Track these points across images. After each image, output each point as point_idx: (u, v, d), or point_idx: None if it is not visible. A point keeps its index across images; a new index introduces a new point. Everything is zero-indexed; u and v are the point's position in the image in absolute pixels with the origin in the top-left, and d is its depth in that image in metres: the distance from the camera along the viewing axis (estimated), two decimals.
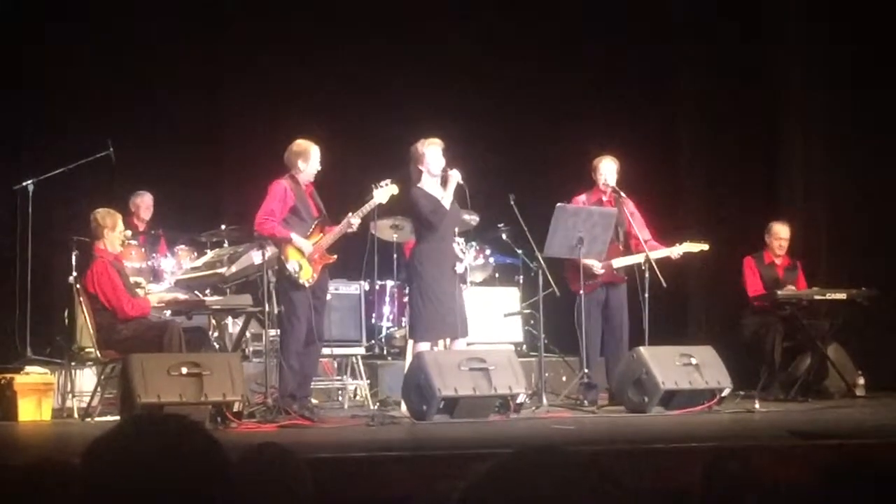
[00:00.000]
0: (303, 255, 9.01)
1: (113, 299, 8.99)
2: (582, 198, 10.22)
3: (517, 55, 12.75)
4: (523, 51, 12.75)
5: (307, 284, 8.99)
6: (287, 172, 9.13)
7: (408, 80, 12.52)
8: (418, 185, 9.35)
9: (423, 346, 9.24)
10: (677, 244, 10.13)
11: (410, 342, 9.44)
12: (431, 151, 9.34)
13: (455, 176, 9.30)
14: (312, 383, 9.44)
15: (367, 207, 9.15)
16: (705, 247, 10.23)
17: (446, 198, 9.31)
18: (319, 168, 9.15)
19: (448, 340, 9.41)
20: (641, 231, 10.11)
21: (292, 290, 9.00)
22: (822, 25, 12.17)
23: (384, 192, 9.16)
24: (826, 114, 12.21)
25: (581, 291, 9.79)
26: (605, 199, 10.17)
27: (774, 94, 12.54)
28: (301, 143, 9.17)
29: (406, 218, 10.22)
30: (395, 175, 9.45)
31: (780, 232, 11.09)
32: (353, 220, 9.10)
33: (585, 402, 9.77)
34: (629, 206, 10.18)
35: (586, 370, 9.82)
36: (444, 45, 12.70)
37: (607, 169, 10.14)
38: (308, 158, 9.10)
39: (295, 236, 9.00)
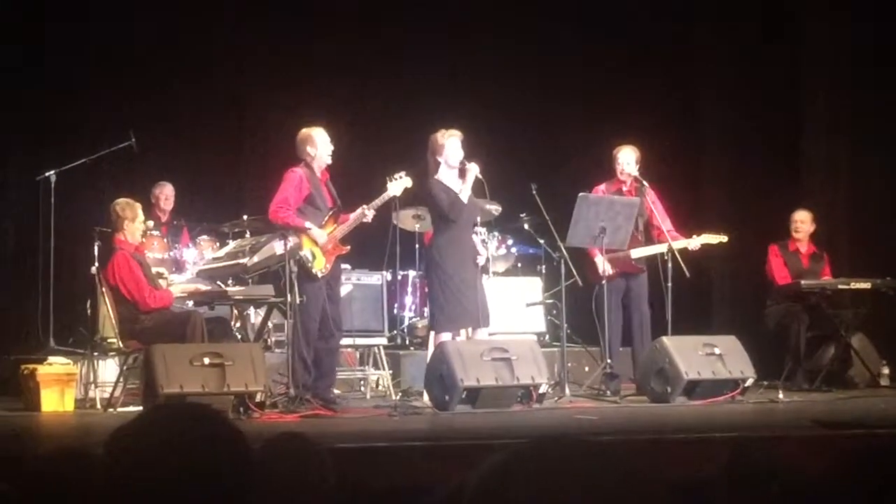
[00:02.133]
0: (317, 246, 9.02)
1: (134, 291, 9.00)
2: (602, 187, 10.21)
3: (539, 45, 12.72)
4: (545, 40, 12.72)
5: (320, 275, 9.01)
6: (300, 162, 9.15)
7: (429, 69, 12.51)
8: (436, 176, 9.35)
9: (445, 337, 9.23)
10: (695, 236, 10.11)
11: (432, 333, 9.45)
12: (451, 143, 9.33)
13: (474, 169, 9.29)
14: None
15: (380, 200, 9.18)
16: (724, 239, 10.19)
17: (464, 191, 9.29)
18: (332, 149, 9.16)
19: (469, 330, 9.41)
20: (663, 221, 10.09)
21: (305, 282, 8.99)
22: (847, 14, 12.13)
23: (398, 184, 9.19)
24: (849, 103, 12.15)
25: (598, 281, 9.81)
26: (625, 188, 10.15)
27: (798, 84, 12.48)
28: (304, 131, 9.20)
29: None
30: (415, 165, 9.46)
31: (798, 216, 11.07)
32: (368, 213, 9.12)
33: (608, 391, 9.76)
34: (651, 196, 10.16)
35: (609, 360, 9.81)
36: (465, 35, 12.68)
37: (625, 158, 10.13)
38: (315, 143, 9.12)
39: (311, 226, 9.00)
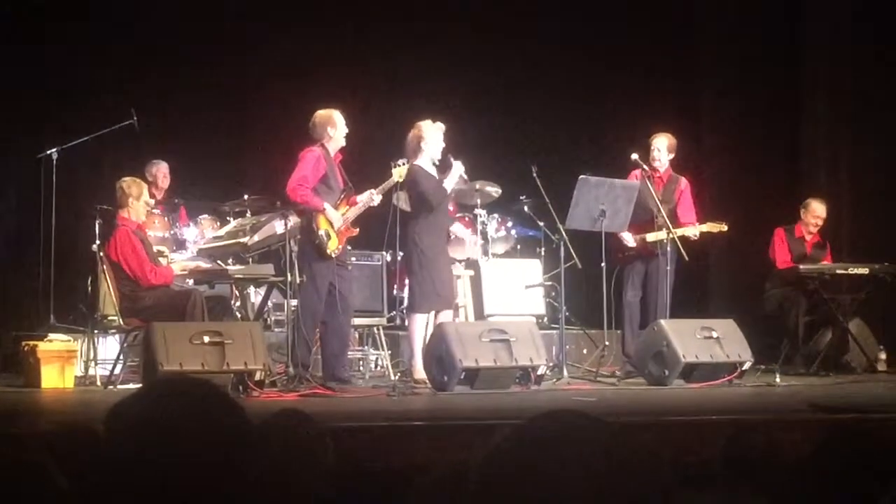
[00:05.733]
0: (332, 226, 9.08)
1: (136, 268, 9.01)
2: (637, 172, 10.25)
3: (542, 31, 12.71)
4: (548, 26, 12.70)
5: (334, 256, 9.09)
6: (316, 143, 9.19)
7: (433, 51, 12.50)
8: (416, 162, 9.44)
9: (420, 318, 9.36)
10: (695, 224, 10.14)
11: (433, 313, 9.54)
12: (436, 134, 9.44)
13: (458, 168, 9.41)
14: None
15: (385, 185, 9.32)
16: (724, 227, 10.22)
17: (448, 182, 9.42)
18: (347, 131, 9.23)
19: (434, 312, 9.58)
20: (686, 212, 10.15)
21: (316, 261, 9.06)
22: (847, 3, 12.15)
23: (400, 171, 9.30)
24: (850, 88, 12.15)
25: (622, 262, 9.88)
26: (657, 175, 10.20)
27: (799, 70, 12.49)
28: (324, 113, 9.25)
29: None
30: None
31: (818, 210, 11.03)
32: (375, 197, 9.26)
33: (617, 373, 9.86)
34: (681, 185, 10.24)
35: (607, 343, 9.86)
36: (467, 20, 12.67)
37: (658, 144, 10.26)
38: (336, 124, 9.21)
39: (328, 207, 9.07)
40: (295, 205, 9.18)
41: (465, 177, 9.56)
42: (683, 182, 10.32)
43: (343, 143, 9.28)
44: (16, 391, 8.89)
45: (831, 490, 2.88)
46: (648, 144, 10.27)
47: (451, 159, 9.45)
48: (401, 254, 10.52)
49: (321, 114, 9.26)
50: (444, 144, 9.52)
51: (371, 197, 9.26)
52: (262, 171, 11.38)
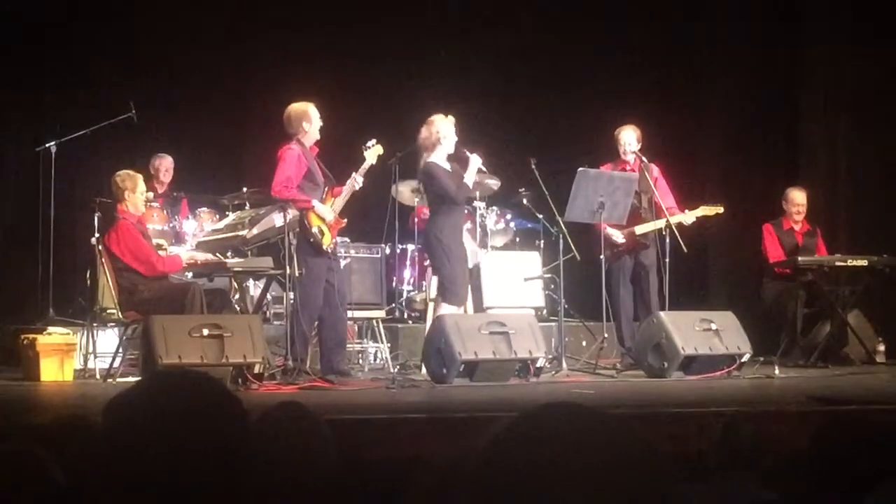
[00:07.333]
0: (324, 222, 9.06)
1: (142, 257, 9.00)
2: (607, 166, 10.23)
3: (541, 21, 12.71)
4: (547, 17, 12.70)
5: (329, 251, 9.08)
6: (292, 138, 9.13)
7: (434, 45, 12.50)
8: (431, 159, 9.38)
9: (449, 309, 9.29)
10: (687, 210, 10.12)
11: (432, 305, 9.52)
12: (450, 128, 9.39)
13: (476, 161, 9.35)
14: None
15: (363, 168, 9.25)
16: (720, 210, 10.23)
17: (468, 178, 9.37)
18: (321, 124, 9.18)
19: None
20: (665, 198, 10.11)
21: (312, 257, 9.04)
22: None
23: (371, 152, 9.28)
24: (848, 80, 12.15)
25: (601, 256, 9.84)
26: (629, 167, 10.17)
27: (797, 62, 12.48)
28: (300, 106, 9.20)
29: None
30: (412, 143, 9.53)
31: (797, 198, 11.05)
32: (358, 179, 9.21)
33: (617, 365, 9.85)
34: (654, 173, 10.19)
35: (606, 335, 9.85)
36: (463, 12, 12.67)
37: (627, 137, 10.16)
38: (311, 119, 9.15)
39: (317, 204, 9.05)
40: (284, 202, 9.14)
41: (484, 168, 9.51)
42: (655, 169, 10.26)
43: (318, 136, 9.20)
44: (15, 384, 8.89)
45: (829, 480, 2.89)
46: (615, 138, 10.22)
47: (468, 153, 9.41)
48: (405, 246, 10.54)
49: (296, 108, 9.19)
50: (456, 138, 9.46)
51: (354, 181, 9.20)
52: (261, 164, 11.36)
